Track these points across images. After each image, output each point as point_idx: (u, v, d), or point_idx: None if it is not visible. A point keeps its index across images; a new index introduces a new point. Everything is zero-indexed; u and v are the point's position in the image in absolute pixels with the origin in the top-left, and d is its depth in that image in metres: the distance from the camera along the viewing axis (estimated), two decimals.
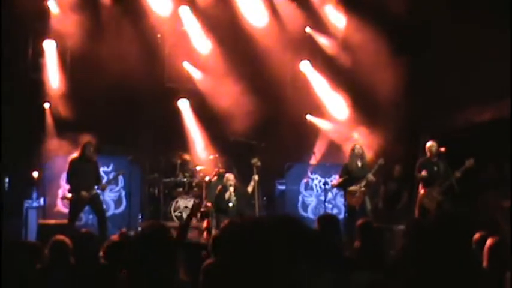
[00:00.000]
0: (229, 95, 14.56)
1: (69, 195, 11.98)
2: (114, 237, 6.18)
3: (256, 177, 13.07)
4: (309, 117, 15.66)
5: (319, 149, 15.16)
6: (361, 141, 13.26)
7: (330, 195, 14.14)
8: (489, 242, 5.07)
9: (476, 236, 5.22)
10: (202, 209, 12.73)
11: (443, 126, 13.44)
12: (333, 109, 15.37)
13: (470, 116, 13.36)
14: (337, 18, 15.19)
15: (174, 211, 13.98)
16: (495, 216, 11.48)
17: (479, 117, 13.31)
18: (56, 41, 14.75)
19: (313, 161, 14.87)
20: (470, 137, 13.01)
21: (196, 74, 15.79)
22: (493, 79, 12.36)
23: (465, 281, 3.59)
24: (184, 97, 15.94)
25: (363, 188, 12.45)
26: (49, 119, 14.54)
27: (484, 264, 4.90)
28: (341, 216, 12.66)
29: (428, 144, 12.10)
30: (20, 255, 5.26)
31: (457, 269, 3.48)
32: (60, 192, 13.29)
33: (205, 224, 12.31)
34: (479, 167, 12.16)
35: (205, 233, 11.94)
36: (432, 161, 12.00)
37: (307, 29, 15.64)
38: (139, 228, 9.64)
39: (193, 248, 6.38)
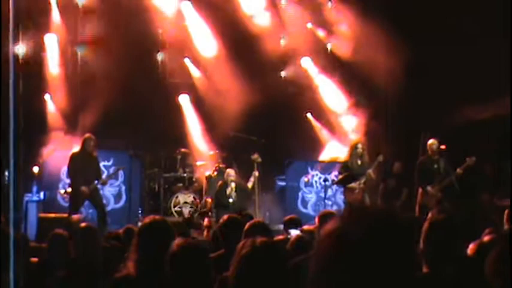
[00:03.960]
0: (230, 90, 14.55)
1: (70, 189, 12.00)
2: (119, 231, 6.19)
3: (256, 173, 13.08)
4: (309, 116, 15.66)
5: (320, 146, 15.19)
6: (362, 139, 13.26)
7: (329, 192, 14.14)
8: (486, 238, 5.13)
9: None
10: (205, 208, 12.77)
11: (444, 124, 13.43)
12: (333, 105, 15.36)
13: (471, 113, 13.35)
14: (338, 12, 15.19)
15: (174, 206, 13.97)
16: (490, 217, 11.48)
17: (481, 115, 13.30)
18: (57, 35, 14.74)
19: (323, 157, 14.87)
20: (471, 135, 13.00)
21: (197, 69, 15.77)
22: (494, 76, 12.35)
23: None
24: (185, 92, 15.93)
25: (362, 185, 12.46)
26: (50, 113, 14.52)
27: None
28: None
29: (429, 142, 12.12)
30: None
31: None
32: (60, 187, 13.28)
33: (206, 222, 12.30)
34: (480, 165, 12.18)
35: (205, 231, 11.93)
36: (433, 158, 12.02)
37: (309, 25, 15.63)
38: (140, 224, 9.64)
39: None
